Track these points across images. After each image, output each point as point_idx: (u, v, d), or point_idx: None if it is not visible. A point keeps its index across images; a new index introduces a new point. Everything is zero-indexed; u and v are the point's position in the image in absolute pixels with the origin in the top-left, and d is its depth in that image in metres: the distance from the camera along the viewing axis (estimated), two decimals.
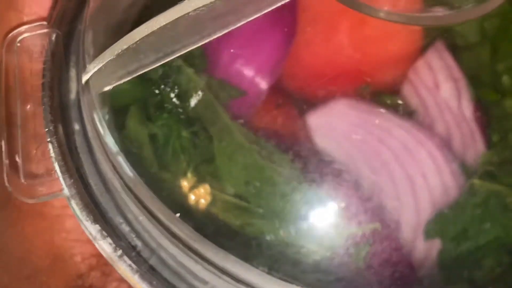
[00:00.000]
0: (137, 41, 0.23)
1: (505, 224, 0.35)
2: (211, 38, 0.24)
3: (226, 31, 0.24)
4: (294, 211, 0.30)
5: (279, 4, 0.24)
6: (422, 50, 0.41)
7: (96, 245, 0.24)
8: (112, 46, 0.23)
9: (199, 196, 0.30)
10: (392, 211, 0.37)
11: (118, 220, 0.25)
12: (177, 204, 0.30)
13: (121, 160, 0.29)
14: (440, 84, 0.39)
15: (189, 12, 0.22)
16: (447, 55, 0.40)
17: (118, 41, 0.23)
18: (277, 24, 0.39)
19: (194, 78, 0.35)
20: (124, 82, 0.29)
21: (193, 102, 0.34)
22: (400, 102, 0.42)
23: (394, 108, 0.42)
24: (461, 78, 0.39)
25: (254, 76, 0.38)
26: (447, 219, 0.36)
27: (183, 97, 0.35)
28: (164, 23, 0.22)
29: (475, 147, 0.39)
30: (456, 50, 0.40)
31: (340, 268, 0.33)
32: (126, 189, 0.25)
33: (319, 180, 0.33)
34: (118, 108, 0.32)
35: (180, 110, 0.34)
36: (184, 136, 0.33)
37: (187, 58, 0.36)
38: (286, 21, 0.39)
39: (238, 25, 0.24)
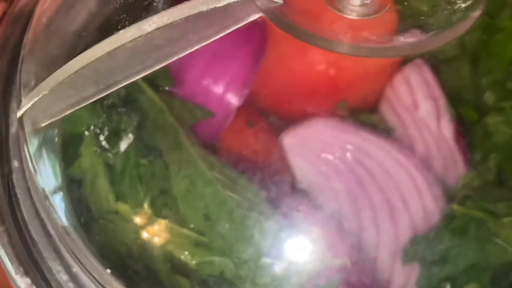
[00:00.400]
0: (72, 74, 0.21)
1: (485, 250, 0.33)
2: (157, 68, 0.22)
3: (172, 60, 0.22)
4: (258, 247, 0.28)
5: (225, 33, 0.22)
6: (401, 64, 0.39)
7: None
8: (46, 80, 0.21)
9: (153, 233, 0.28)
10: (369, 239, 0.36)
11: (56, 268, 0.23)
12: (121, 251, 0.28)
13: (57, 203, 0.27)
14: (418, 103, 0.37)
15: (124, 44, 0.20)
16: (426, 71, 0.38)
17: (53, 74, 0.21)
18: (246, 39, 0.37)
19: (156, 100, 0.33)
20: (79, 108, 0.27)
21: (152, 126, 0.32)
22: (378, 120, 0.40)
23: (372, 127, 0.40)
24: (440, 96, 0.37)
25: (222, 95, 0.36)
26: (425, 243, 0.34)
27: (143, 121, 0.33)
28: (100, 55, 0.20)
29: (456, 169, 0.37)
30: (435, 64, 0.39)
31: None
32: (60, 236, 0.24)
33: (287, 212, 0.31)
34: (70, 136, 0.30)
35: (139, 135, 0.32)
36: (142, 164, 0.31)
37: (151, 79, 0.34)
38: (256, 35, 0.37)
39: (185, 54, 0.22)
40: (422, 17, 0.34)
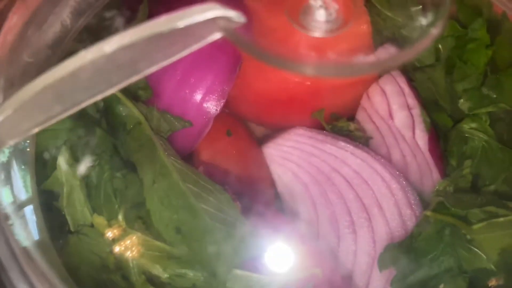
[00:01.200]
0: (36, 93, 0.21)
1: (458, 255, 0.33)
2: (122, 86, 0.22)
3: (137, 78, 0.22)
4: (229, 259, 0.28)
5: (188, 51, 0.22)
6: (378, 74, 0.39)
7: None
8: (10, 99, 0.21)
9: (128, 246, 0.28)
10: (347, 247, 0.36)
11: (22, 287, 0.23)
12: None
13: (27, 217, 0.27)
14: (394, 113, 0.37)
15: (85, 64, 0.20)
16: (402, 80, 0.38)
17: (15, 94, 0.21)
18: (222, 49, 0.37)
19: (134, 111, 0.33)
20: (54, 123, 0.27)
21: (129, 139, 0.32)
22: (355, 128, 0.40)
23: (349, 135, 0.40)
24: (415, 105, 0.37)
25: (199, 104, 0.36)
26: (400, 250, 0.34)
27: (119, 134, 0.33)
28: (62, 75, 0.20)
29: (431, 177, 0.37)
30: (411, 72, 0.39)
31: None
32: (26, 256, 0.24)
33: (263, 222, 0.31)
34: (45, 149, 0.30)
35: (115, 149, 0.32)
36: (117, 177, 0.31)
37: (130, 90, 0.34)
38: (232, 45, 0.37)
39: (151, 70, 0.22)
40: (389, 33, 0.34)
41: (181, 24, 0.20)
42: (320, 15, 0.26)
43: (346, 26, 0.26)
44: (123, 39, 0.20)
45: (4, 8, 0.26)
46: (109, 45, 0.20)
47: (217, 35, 0.22)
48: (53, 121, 0.24)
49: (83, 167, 0.31)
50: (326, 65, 0.22)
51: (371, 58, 0.21)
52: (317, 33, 0.27)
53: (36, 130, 0.24)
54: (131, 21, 0.34)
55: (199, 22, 0.21)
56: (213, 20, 0.21)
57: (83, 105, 0.23)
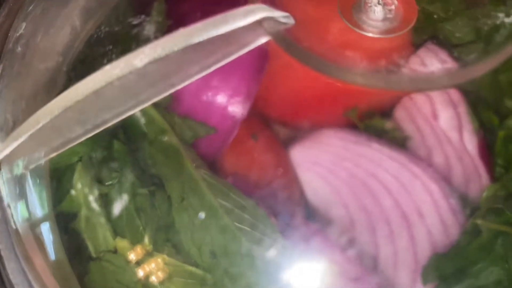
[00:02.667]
0: (54, 117, 0.18)
1: (510, 267, 0.31)
2: (153, 101, 0.20)
3: (169, 93, 0.19)
4: (271, 284, 0.26)
5: (228, 60, 0.19)
6: None
7: None
8: (26, 123, 0.18)
9: (156, 273, 0.26)
10: (386, 259, 0.33)
11: None
12: None
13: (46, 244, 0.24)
14: (438, 112, 0.34)
15: (112, 81, 0.17)
16: None
17: (32, 117, 0.18)
18: None
19: (157, 118, 0.30)
20: None
21: (151, 150, 0.30)
22: (392, 127, 0.37)
23: (385, 135, 0.38)
24: (460, 102, 0.34)
25: (224, 108, 0.33)
26: (446, 261, 0.32)
27: (140, 145, 0.30)
28: (85, 95, 0.18)
29: (479, 182, 0.34)
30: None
31: None
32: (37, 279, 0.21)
33: (300, 238, 0.29)
34: (60, 167, 0.27)
35: (136, 162, 0.29)
36: (140, 194, 0.28)
37: None
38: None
39: (184, 84, 0.20)
40: (457, 37, 0.31)
41: (223, 30, 0.17)
42: (377, 12, 0.23)
43: (407, 25, 0.23)
44: (156, 51, 0.17)
45: (7, 14, 0.23)
46: (139, 59, 0.17)
47: (263, 40, 0.19)
48: (72, 144, 0.21)
49: (101, 185, 0.28)
50: (377, 74, 0.19)
51: (439, 72, 0.19)
52: (371, 33, 0.24)
53: (52, 155, 0.21)
54: (145, 21, 0.30)
55: (244, 26, 0.17)
56: (259, 22, 0.18)
57: (106, 125, 0.20)
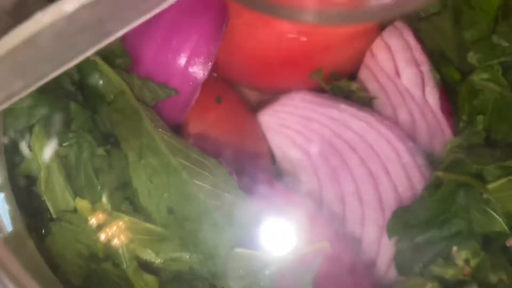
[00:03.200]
0: None
1: (471, 217, 0.31)
2: (93, 50, 0.19)
3: (108, 41, 0.19)
4: (229, 238, 0.26)
5: (167, 4, 0.18)
6: (380, 27, 0.36)
7: None
8: None
9: (115, 231, 0.26)
10: (353, 215, 0.34)
11: None
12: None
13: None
14: (400, 69, 0.34)
15: (43, 29, 0.17)
16: (408, 33, 0.35)
17: None
18: (205, 6, 0.33)
19: (116, 80, 0.30)
20: (23, 99, 0.24)
21: (110, 111, 0.29)
22: (358, 88, 0.37)
23: (351, 96, 0.38)
24: (424, 61, 0.34)
25: (184, 69, 0.33)
26: (409, 214, 0.33)
27: (98, 106, 0.30)
28: (17, 44, 0.17)
29: (442, 137, 0.35)
30: (416, 22, 0.36)
31: None
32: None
33: (263, 195, 0.29)
34: (16, 131, 0.27)
35: (93, 123, 0.29)
36: (98, 155, 0.28)
37: (106, 58, 0.31)
38: (215, 2, 0.33)
39: (123, 31, 0.19)
40: None
41: None
42: None
43: None
44: None
45: None
46: (69, 4, 0.17)
47: None
48: (16, 98, 0.21)
49: (60, 146, 0.28)
50: (329, 11, 0.19)
51: (377, 3, 0.19)
52: None
53: None
54: None
55: None
56: None
57: (49, 77, 0.20)
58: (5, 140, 0.27)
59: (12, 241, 0.23)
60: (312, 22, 0.19)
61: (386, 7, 0.20)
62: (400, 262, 0.32)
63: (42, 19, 0.17)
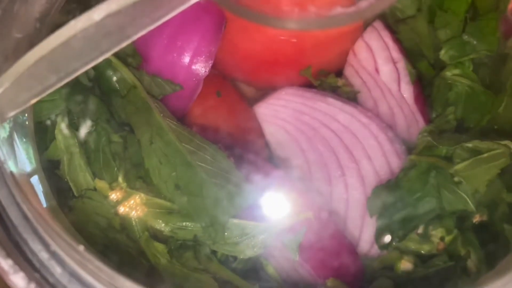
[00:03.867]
0: (31, 65, 0.22)
1: (441, 196, 0.35)
2: (112, 52, 0.24)
3: (126, 43, 0.24)
4: (226, 210, 0.30)
5: (175, 13, 0.23)
6: (362, 27, 0.40)
7: (8, 281, 0.24)
8: (6, 73, 0.22)
9: (130, 206, 0.30)
10: (338, 196, 0.38)
11: (37, 247, 0.25)
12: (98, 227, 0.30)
13: (34, 185, 0.28)
14: (379, 67, 0.38)
15: (76, 34, 0.21)
16: (386, 34, 0.39)
17: (12, 67, 0.22)
18: (205, 10, 0.37)
19: (129, 76, 0.34)
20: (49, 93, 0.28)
21: (124, 103, 0.34)
22: (343, 84, 0.41)
23: (337, 91, 0.42)
24: (400, 59, 0.38)
25: (188, 67, 0.37)
26: (386, 192, 0.37)
27: (113, 99, 0.34)
28: (54, 45, 0.22)
29: (417, 126, 0.39)
30: (394, 24, 0.40)
31: (275, 261, 0.34)
32: (38, 218, 0.25)
33: (254, 173, 0.33)
34: (43, 120, 0.32)
35: (110, 114, 0.33)
36: (114, 141, 0.32)
37: (120, 57, 0.35)
38: (215, 5, 0.38)
39: (139, 35, 0.24)
40: None
41: None
42: None
43: None
44: (111, 6, 0.21)
45: None
46: (97, 13, 0.21)
47: None
48: (49, 91, 0.25)
49: (81, 134, 0.32)
50: (308, 18, 0.23)
51: (351, 8, 0.22)
52: None
53: (34, 100, 0.25)
54: None
55: None
56: None
57: (77, 73, 0.24)
58: (34, 128, 0.31)
59: (48, 215, 0.27)
60: (294, 28, 0.23)
61: (360, 10, 0.24)
62: (379, 237, 0.36)
63: (75, 25, 0.21)
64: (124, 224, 0.31)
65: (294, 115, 0.40)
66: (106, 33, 0.23)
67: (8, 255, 0.24)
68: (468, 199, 0.36)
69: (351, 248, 0.36)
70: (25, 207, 0.25)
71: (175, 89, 0.37)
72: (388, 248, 0.37)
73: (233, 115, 0.41)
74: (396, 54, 0.38)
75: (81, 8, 0.29)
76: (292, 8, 0.25)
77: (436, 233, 0.37)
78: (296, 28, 0.23)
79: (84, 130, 0.33)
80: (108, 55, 0.24)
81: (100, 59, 0.24)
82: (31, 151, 0.31)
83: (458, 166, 0.35)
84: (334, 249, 0.35)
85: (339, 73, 0.42)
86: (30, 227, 0.25)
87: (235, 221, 0.30)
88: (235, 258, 0.32)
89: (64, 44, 0.22)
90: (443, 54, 0.38)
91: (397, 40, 0.39)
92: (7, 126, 0.30)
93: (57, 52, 0.22)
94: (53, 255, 0.24)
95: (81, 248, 0.24)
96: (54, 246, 0.24)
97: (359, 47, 0.39)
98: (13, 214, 0.25)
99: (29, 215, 0.25)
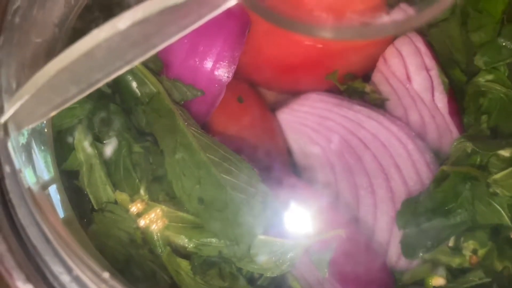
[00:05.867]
0: (51, 77, 0.20)
1: (475, 209, 0.33)
2: (138, 62, 0.22)
3: (152, 53, 0.22)
4: (253, 226, 0.29)
5: (203, 21, 0.21)
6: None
7: None
8: (26, 84, 0.21)
9: (152, 219, 0.29)
10: (366, 208, 0.36)
11: (57, 269, 0.24)
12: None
13: (52, 198, 0.27)
14: (411, 75, 0.36)
15: (100, 43, 0.20)
16: (418, 39, 0.37)
17: (32, 78, 0.21)
18: (228, 15, 0.36)
19: (153, 82, 0.32)
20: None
21: (146, 110, 0.32)
22: (371, 90, 0.39)
23: (365, 97, 0.40)
24: (433, 66, 0.36)
25: (210, 72, 0.35)
26: (416, 203, 0.35)
27: (134, 107, 0.32)
28: (76, 56, 0.20)
29: (450, 136, 0.37)
30: (425, 28, 0.38)
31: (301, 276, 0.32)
32: (58, 238, 0.24)
33: (283, 187, 0.31)
34: (61, 130, 0.30)
35: (130, 122, 0.32)
36: (136, 151, 0.31)
37: (141, 63, 0.33)
38: (238, 10, 0.36)
39: (165, 45, 0.22)
40: None
41: None
42: None
43: None
44: (136, 14, 0.19)
45: None
46: (122, 22, 0.20)
47: (231, 2, 0.21)
48: (69, 103, 0.23)
49: (100, 144, 0.31)
50: (345, 27, 0.22)
51: (390, 19, 0.21)
52: None
53: (53, 113, 0.23)
54: None
55: None
56: None
57: (99, 84, 0.23)
58: (52, 137, 0.30)
59: (65, 227, 0.26)
60: (328, 37, 0.21)
61: (398, 23, 0.23)
62: (406, 246, 0.35)
63: (99, 35, 0.20)
64: (146, 239, 0.30)
65: (319, 121, 0.39)
66: (131, 43, 0.21)
67: (28, 279, 0.22)
68: (503, 212, 0.34)
69: (381, 264, 0.34)
70: (45, 228, 0.23)
71: (196, 95, 0.35)
72: (414, 257, 0.35)
73: (256, 122, 0.39)
74: (429, 60, 0.36)
75: (101, 14, 0.27)
76: (327, 15, 0.23)
77: (468, 245, 0.35)
78: (331, 38, 0.21)
79: (104, 140, 0.31)
80: (132, 65, 0.23)
81: (124, 70, 0.23)
82: (49, 159, 0.30)
83: (496, 176, 0.33)
84: (363, 264, 0.33)
85: (366, 76, 0.40)
86: (51, 249, 0.23)
87: (262, 237, 0.29)
88: (260, 274, 0.30)
89: (87, 54, 0.20)
90: (478, 60, 0.36)
91: (429, 46, 0.37)
92: (25, 132, 0.28)
93: (79, 63, 0.21)
94: (75, 279, 0.23)
95: (106, 275, 0.23)
96: (77, 271, 0.23)
97: (390, 53, 0.37)
98: (33, 234, 0.23)
99: (50, 236, 0.23)
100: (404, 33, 0.36)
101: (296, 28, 0.22)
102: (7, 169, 0.24)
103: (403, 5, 0.35)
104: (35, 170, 0.29)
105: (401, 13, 0.34)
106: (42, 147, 0.30)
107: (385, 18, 0.21)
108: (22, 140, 0.28)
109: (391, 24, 0.22)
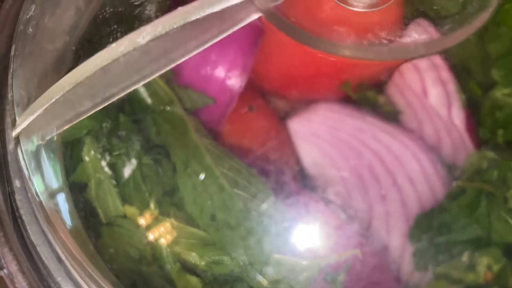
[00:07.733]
0: (66, 92, 0.20)
1: (491, 226, 0.33)
2: (156, 75, 0.21)
3: (170, 67, 0.21)
4: (266, 244, 0.28)
5: (224, 35, 0.20)
6: None
7: None
8: (40, 98, 0.20)
9: (161, 235, 0.28)
10: (379, 223, 0.35)
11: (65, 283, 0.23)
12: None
13: (62, 212, 0.26)
14: (428, 89, 0.36)
15: (118, 58, 0.19)
16: None
17: (46, 92, 0.20)
18: None
19: (165, 90, 0.31)
20: None
21: (157, 121, 0.31)
22: (384, 102, 0.39)
23: (378, 109, 0.39)
24: (449, 80, 0.36)
25: (222, 81, 0.35)
26: (429, 218, 0.34)
27: (144, 116, 0.32)
28: (93, 71, 0.19)
29: (466, 152, 0.36)
30: None
31: None
32: (70, 258, 0.23)
33: (296, 203, 0.31)
34: (70, 142, 0.29)
35: (140, 132, 0.31)
36: (146, 163, 0.30)
37: None
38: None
39: (184, 59, 0.21)
40: (435, 7, 0.32)
41: (218, 7, 0.19)
42: None
43: (388, 1, 0.24)
44: (157, 28, 0.19)
45: None
46: (142, 36, 0.19)
47: (254, 16, 0.20)
48: (82, 117, 0.23)
49: (109, 156, 0.30)
50: (365, 46, 0.21)
51: (419, 35, 0.20)
52: (357, 8, 0.25)
53: (65, 127, 0.23)
54: (146, 0, 0.32)
55: (237, 4, 0.19)
56: (251, 0, 0.19)
57: (114, 98, 0.22)
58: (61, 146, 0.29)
59: (72, 237, 0.25)
60: (348, 56, 0.20)
61: (422, 45, 0.22)
62: (417, 258, 0.34)
63: (117, 49, 0.19)
64: (155, 255, 0.29)
65: (331, 132, 0.38)
66: (149, 58, 0.20)
67: None
68: None
69: (394, 281, 0.34)
70: (57, 247, 0.23)
71: (206, 103, 0.34)
72: (423, 270, 0.34)
73: (266, 132, 0.39)
74: (445, 74, 0.36)
75: (111, 22, 0.27)
76: (349, 32, 0.23)
77: (482, 261, 0.35)
78: (352, 56, 0.20)
79: (113, 151, 0.30)
80: (149, 79, 0.22)
81: (140, 84, 0.22)
82: (58, 168, 0.29)
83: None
84: (377, 283, 0.32)
85: (378, 85, 0.39)
86: (64, 269, 0.22)
87: (276, 257, 0.28)
88: None
89: (104, 68, 0.20)
90: (495, 73, 0.36)
91: (445, 57, 0.37)
92: (35, 140, 0.28)
93: (96, 77, 0.20)
94: None
95: None
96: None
97: (407, 67, 0.37)
98: (44, 254, 0.23)
99: (63, 256, 0.22)
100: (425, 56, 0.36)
101: (317, 45, 0.22)
102: (17, 183, 0.23)
103: (421, 20, 0.35)
104: (44, 179, 0.28)
105: (418, 28, 0.33)
106: (52, 155, 0.29)
107: (407, 39, 0.21)
108: (32, 147, 0.28)
109: (414, 46, 0.21)
